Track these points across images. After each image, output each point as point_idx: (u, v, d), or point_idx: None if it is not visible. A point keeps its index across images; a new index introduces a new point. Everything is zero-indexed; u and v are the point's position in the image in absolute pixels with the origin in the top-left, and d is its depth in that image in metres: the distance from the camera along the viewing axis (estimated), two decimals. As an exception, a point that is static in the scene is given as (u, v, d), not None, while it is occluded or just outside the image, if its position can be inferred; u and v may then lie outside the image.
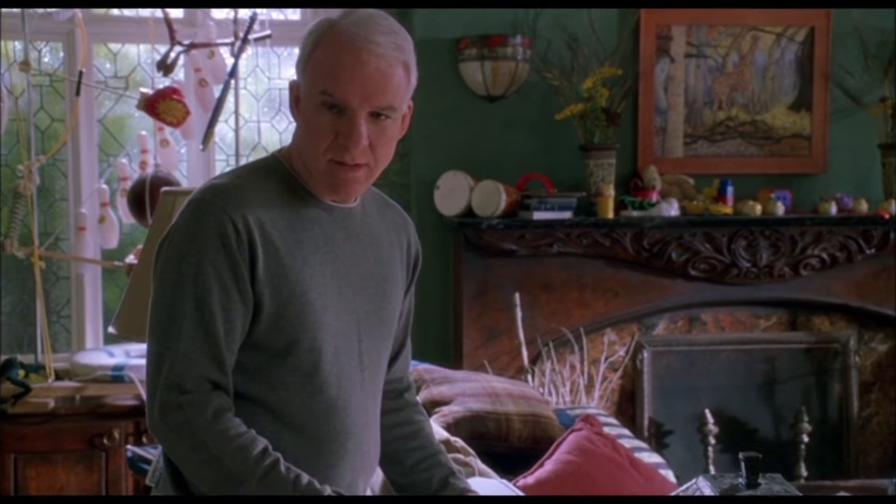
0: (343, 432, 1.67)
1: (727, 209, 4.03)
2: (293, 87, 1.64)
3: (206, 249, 1.56)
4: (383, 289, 1.74)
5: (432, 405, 2.80)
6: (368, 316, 1.71)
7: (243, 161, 3.98)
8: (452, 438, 2.44)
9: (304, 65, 1.61)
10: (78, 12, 3.70)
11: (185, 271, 1.56)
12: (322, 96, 1.58)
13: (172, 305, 1.56)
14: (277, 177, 1.66)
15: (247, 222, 1.58)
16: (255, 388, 1.62)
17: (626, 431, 3.17)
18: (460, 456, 2.35)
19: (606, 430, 2.88)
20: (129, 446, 3.14)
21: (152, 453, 2.73)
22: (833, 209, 4.06)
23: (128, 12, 3.95)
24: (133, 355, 3.68)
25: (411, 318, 1.89)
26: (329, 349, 1.64)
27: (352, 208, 1.71)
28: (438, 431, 2.56)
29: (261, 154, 4.12)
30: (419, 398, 2.81)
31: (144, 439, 3.49)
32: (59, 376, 3.66)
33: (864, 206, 4.10)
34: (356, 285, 1.69)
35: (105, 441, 3.53)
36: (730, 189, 4.07)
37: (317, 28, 1.61)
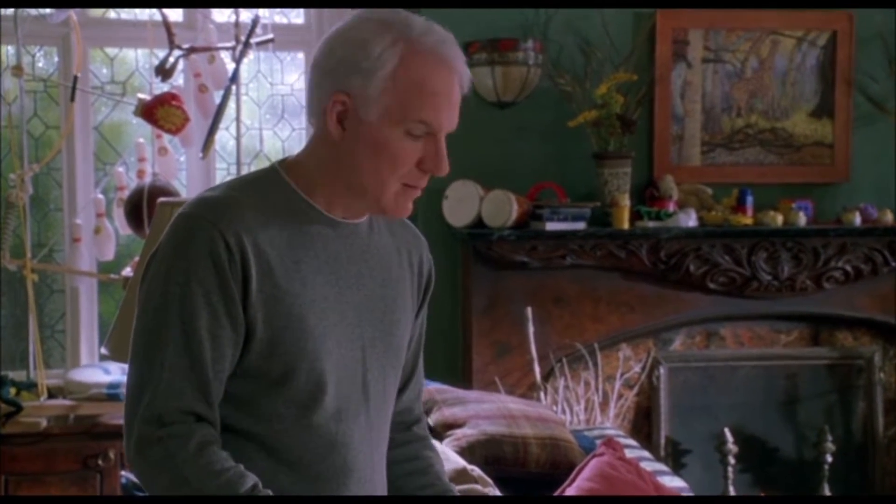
0: (344, 470, 1.53)
1: (747, 220, 3.90)
2: (340, 100, 1.47)
3: (195, 269, 1.43)
4: (391, 313, 1.60)
5: (445, 428, 2.66)
6: (374, 343, 1.57)
7: (245, 170, 3.88)
8: (469, 467, 2.30)
9: (373, 80, 1.45)
10: (73, 15, 3.58)
11: (172, 292, 1.43)
12: (415, 124, 1.45)
13: (156, 330, 1.44)
14: (277, 190, 1.52)
15: (240, 240, 1.44)
16: (247, 421, 1.49)
17: (646, 454, 3.04)
18: (478, 487, 2.21)
19: (627, 452, 2.74)
20: (123, 472, 2.99)
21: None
22: (857, 219, 3.92)
23: (125, 16, 3.85)
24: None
25: (422, 344, 1.74)
26: (330, 380, 1.50)
27: (358, 224, 1.56)
28: (452, 457, 2.42)
29: (263, 163, 4.02)
30: (430, 420, 2.68)
31: (141, 460, 3.37)
32: (52, 394, 3.55)
33: (888, 217, 3.97)
34: (361, 309, 1.55)
35: (100, 462, 3.41)
36: (749, 199, 3.94)
37: (390, 42, 1.45)
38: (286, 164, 1.56)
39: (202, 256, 1.43)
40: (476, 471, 2.31)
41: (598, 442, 2.90)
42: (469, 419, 2.67)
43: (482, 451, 2.59)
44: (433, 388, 2.82)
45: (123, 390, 3.33)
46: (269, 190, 1.52)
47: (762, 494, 3.99)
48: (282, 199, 1.51)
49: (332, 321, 1.51)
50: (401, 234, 1.66)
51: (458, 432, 2.63)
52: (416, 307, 1.68)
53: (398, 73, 1.44)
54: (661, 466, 2.97)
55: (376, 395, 1.57)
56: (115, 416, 3.46)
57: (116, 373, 3.59)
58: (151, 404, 1.41)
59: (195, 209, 1.47)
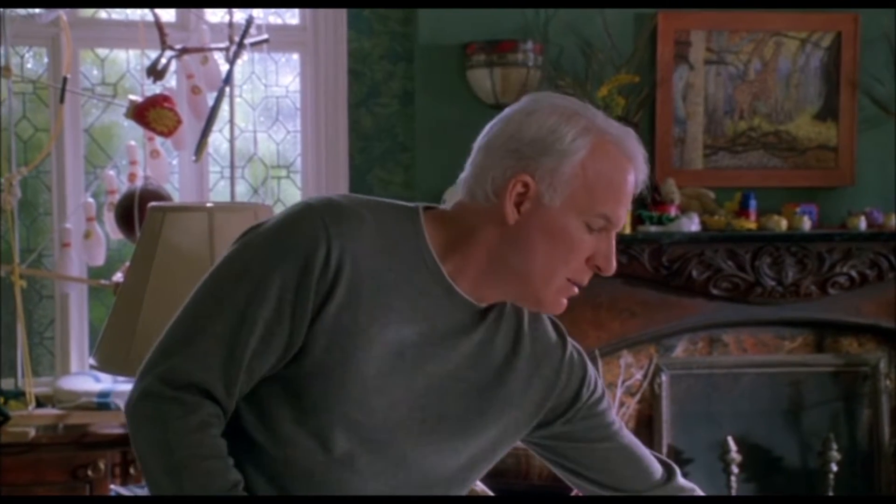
0: None
1: (750, 224, 3.83)
2: (524, 181, 1.39)
3: (285, 260, 1.36)
4: (478, 412, 1.48)
5: (444, 439, 2.57)
6: (439, 424, 1.45)
7: (239, 174, 3.82)
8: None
9: (565, 164, 1.38)
10: (63, 15, 3.51)
11: (251, 269, 1.37)
12: (596, 218, 1.39)
13: (217, 298, 1.38)
14: (409, 233, 1.42)
15: (342, 257, 1.35)
16: (262, 433, 1.40)
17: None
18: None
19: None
20: (112, 486, 2.93)
21: (138, 493, 2.51)
22: (862, 224, 3.86)
23: (116, 16, 3.77)
24: (121, 380, 3.48)
25: (618, 433, 1.65)
26: (362, 435, 1.40)
27: (474, 306, 1.46)
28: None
29: (257, 166, 3.96)
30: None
31: (132, 470, 3.30)
32: (40, 403, 3.47)
33: (894, 221, 3.90)
34: (438, 385, 1.44)
35: (90, 473, 3.31)
36: (753, 203, 3.87)
37: (582, 129, 1.39)
38: (427, 213, 1.47)
39: (298, 252, 1.36)
40: (479, 485, 2.24)
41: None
42: (470, 430, 2.59)
43: (483, 463, 2.51)
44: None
45: (114, 399, 3.35)
46: (400, 226, 1.43)
47: None
48: (409, 241, 1.42)
49: (396, 381, 1.41)
50: (533, 333, 1.55)
51: (459, 443, 2.55)
52: (536, 409, 1.56)
53: (587, 163, 1.39)
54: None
55: (421, 476, 1.46)
56: (105, 425, 3.39)
57: (107, 381, 3.51)
58: (177, 366, 1.35)
59: (319, 205, 1.40)
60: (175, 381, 1.35)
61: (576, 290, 1.45)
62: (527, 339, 1.53)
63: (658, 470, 1.68)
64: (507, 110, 1.46)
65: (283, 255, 1.36)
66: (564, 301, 1.45)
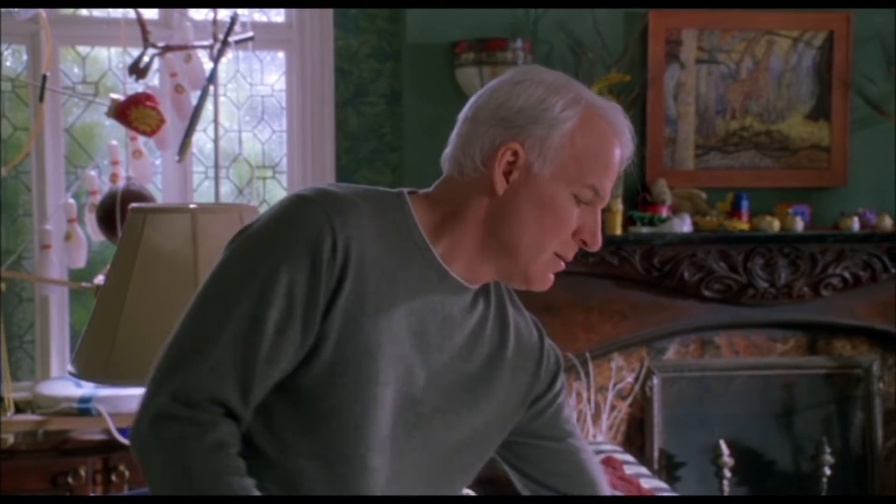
0: None
1: (743, 225, 3.79)
2: (513, 150, 1.37)
3: (291, 256, 1.30)
4: (469, 397, 1.45)
5: (434, 445, 2.52)
6: (434, 415, 1.41)
7: (224, 174, 3.76)
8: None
9: (556, 132, 1.36)
10: (42, 12, 3.44)
11: (256, 270, 1.31)
12: (585, 189, 1.37)
13: (225, 304, 1.30)
14: (399, 219, 1.39)
15: (348, 246, 1.31)
16: (271, 444, 1.34)
17: (644, 470, 2.91)
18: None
19: (625, 469, 2.61)
20: (93, 496, 2.86)
21: None
22: (855, 225, 3.82)
23: (97, 13, 3.70)
24: (102, 385, 3.41)
25: (570, 431, 1.62)
26: (373, 431, 1.35)
27: (468, 289, 1.43)
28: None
29: (242, 166, 3.89)
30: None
31: (114, 477, 3.25)
32: (19, 409, 3.41)
33: (887, 222, 3.86)
34: (436, 374, 1.40)
35: (70, 480, 3.25)
36: (744, 203, 3.83)
37: (571, 100, 1.37)
38: (413, 197, 1.43)
39: (303, 244, 1.30)
40: (468, 493, 2.18)
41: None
42: (460, 436, 2.53)
43: (475, 471, 2.45)
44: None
45: (95, 404, 3.27)
46: (390, 212, 1.39)
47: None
48: (400, 227, 1.39)
49: (399, 373, 1.37)
50: (516, 320, 1.53)
51: (449, 450, 2.50)
52: (535, 397, 1.55)
53: (576, 133, 1.37)
54: (659, 483, 2.85)
55: (413, 468, 1.42)
56: (86, 431, 3.34)
57: (88, 386, 3.43)
58: (188, 380, 1.28)
59: (316, 195, 1.34)
60: (189, 399, 1.27)
61: (562, 264, 1.43)
62: (512, 332, 1.52)
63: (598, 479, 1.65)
64: (493, 82, 1.44)
65: (288, 250, 1.30)
66: (552, 276, 1.44)
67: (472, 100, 1.44)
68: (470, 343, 1.45)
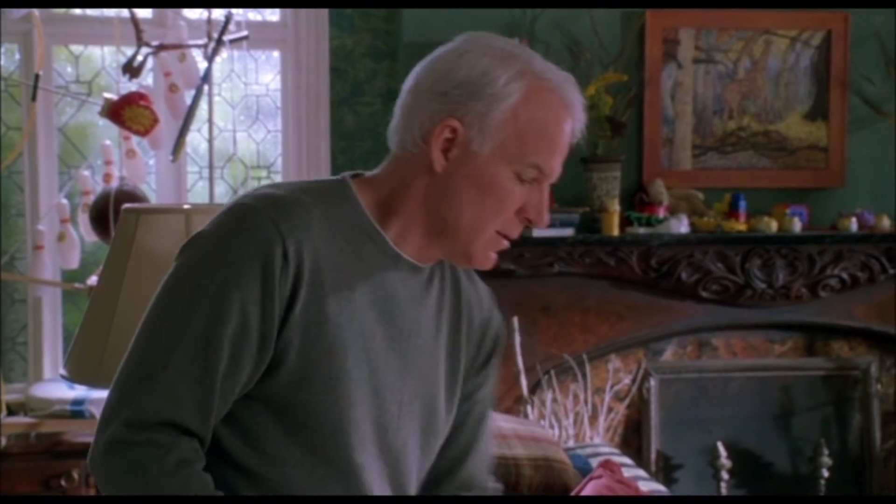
0: None
1: (740, 226, 3.76)
2: (452, 126, 1.31)
3: (240, 269, 1.25)
4: (436, 374, 1.42)
5: (431, 448, 2.49)
6: (414, 401, 1.39)
7: (218, 174, 3.73)
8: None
9: (496, 109, 1.30)
10: (35, 11, 3.41)
11: (205, 287, 1.25)
12: (528, 167, 1.31)
13: (173, 325, 1.25)
14: (345, 207, 1.34)
15: (300, 250, 1.26)
16: (252, 459, 1.31)
17: (642, 473, 2.89)
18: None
19: (623, 472, 2.59)
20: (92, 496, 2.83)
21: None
22: (853, 226, 3.80)
23: (91, 12, 3.68)
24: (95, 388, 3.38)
25: (488, 415, 1.55)
26: (356, 431, 1.32)
27: (422, 269, 1.40)
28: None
29: (237, 167, 3.86)
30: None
31: (107, 480, 3.21)
32: (12, 411, 3.40)
33: (886, 223, 3.84)
34: (409, 360, 1.37)
35: (63, 483, 3.24)
36: (742, 204, 3.80)
37: (517, 73, 1.31)
38: (357, 181, 1.38)
39: (253, 257, 1.25)
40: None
41: (593, 462, 2.75)
42: (457, 439, 2.51)
43: (471, 474, 2.43)
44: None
45: (88, 407, 3.24)
46: (337, 202, 1.34)
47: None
48: (348, 217, 1.34)
49: (374, 366, 1.34)
50: (467, 291, 1.48)
51: (446, 453, 2.47)
52: (472, 373, 1.50)
53: (520, 109, 1.31)
54: (658, 486, 2.82)
55: (404, 458, 1.40)
56: (78, 434, 3.33)
57: (82, 388, 3.40)
58: (143, 407, 1.23)
59: (259, 202, 1.29)
60: (144, 424, 1.23)
61: (505, 243, 1.38)
62: (464, 305, 1.48)
63: (484, 483, 1.56)
64: (438, 50, 1.37)
65: (238, 264, 1.25)
66: (494, 255, 1.39)
67: (416, 68, 1.38)
68: (436, 322, 1.42)
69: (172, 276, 1.30)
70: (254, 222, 1.27)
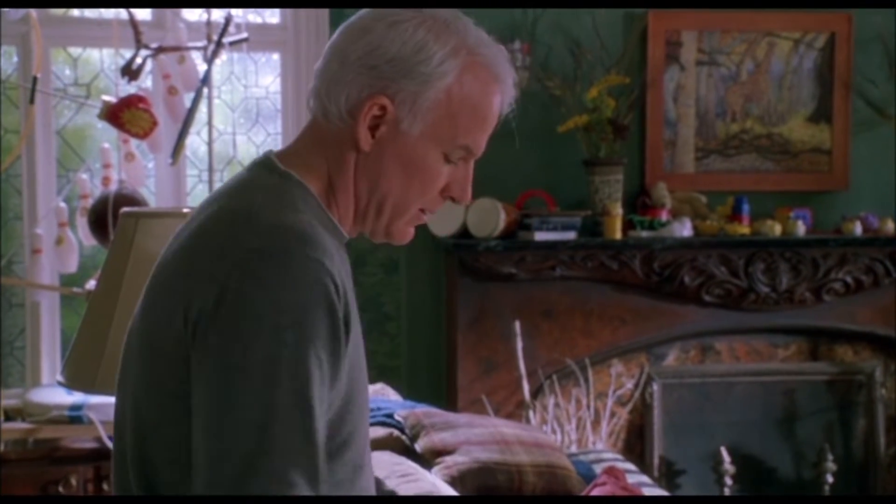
0: None
1: (744, 229, 3.74)
2: (381, 104, 1.25)
3: (309, 323, 1.14)
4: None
5: (433, 454, 2.46)
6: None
7: (217, 178, 3.70)
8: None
9: (429, 89, 1.25)
10: (33, 13, 3.38)
11: (282, 355, 1.12)
12: (458, 150, 1.28)
13: (260, 406, 1.11)
14: (318, 210, 1.27)
15: (340, 275, 1.20)
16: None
17: (646, 479, 2.86)
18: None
19: (627, 478, 2.56)
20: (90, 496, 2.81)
21: None
22: (857, 229, 3.77)
23: (89, 13, 3.64)
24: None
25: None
26: (363, 434, 1.30)
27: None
28: (442, 486, 2.23)
29: (236, 170, 3.81)
30: (418, 446, 2.49)
31: (105, 486, 3.19)
32: (9, 416, 3.35)
33: (890, 226, 3.82)
34: (361, 350, 1.34)
35: (61, 489, 3.20)
36: (745, 207, 3.78)
37: (452, 50, 1.25)
38: (292, 166, 1.29)
39: (317, 306, 1.15)
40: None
41: (596, 468, 2.73)
42: (460, 445, 2.48)
43: (474, 480, 2.40)
44: (420, 410, 2.63)
45: (86, 412, 3.21)
46: (315, 211, 1.26)
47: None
48: (324, 221, 1.27)
49: (363, 365, 1.32)
50: None
51: (449, 459, 2.44)
52: None
53: (454, 89, 1.26)
54: (662, 492, 2.80)
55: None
56: (77, 439, 3.29)
57: (79, 393, 3.38)
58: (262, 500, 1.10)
59: (292, 243, 1.17)
60: None
61: (425, 218, 1.35)
62: None
63: None
64: (369, 15, 1.29)
65: (304, 320, 1.14)
66: (412, 230, 1.35)
67: (343, 28, 1.31)
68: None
69: (231, 351, 1.14)
70: (303, 269, 1.16)
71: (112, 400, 1.35)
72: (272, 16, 3.82)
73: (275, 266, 1.16)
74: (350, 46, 1.28)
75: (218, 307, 1.15)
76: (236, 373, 1.13)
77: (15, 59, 3.63)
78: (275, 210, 1.22)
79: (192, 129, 3.40)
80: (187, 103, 3.36)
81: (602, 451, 3.26)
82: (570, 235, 3.62)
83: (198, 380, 1.16)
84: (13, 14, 3.38)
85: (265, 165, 1.31)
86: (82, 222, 3.49)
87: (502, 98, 1.30)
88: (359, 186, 1.30)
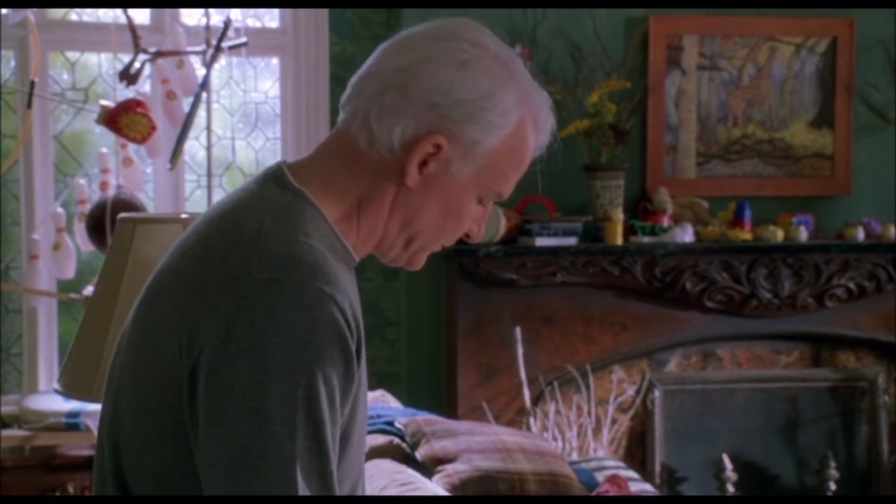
0: None
1: (746, 235, 3.72)
2: (437, 143, 1.21)
3: (321, 359, 1.11)
4: None
5: (434, 462, 2.44)
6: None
7: (216, 183, 3.67)
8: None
9: (490, 138, 1.22)
10: (30, 17, 3.36)
11: (296, 396, 1.09)
12: (493, 195, 1.28)
13: (276, 447, 1.09)
14: (329, 234, 1.22)
15: (352, 309, 1.16)
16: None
17: (649, 487, 2.84)
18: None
19: (630, 486, 2.54)
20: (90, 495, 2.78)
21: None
22: (860, 235, 3.75)
23: (87, 17, 3.63)
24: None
25: None
26: (357, 471, 1.29)
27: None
28: (443, 495, 2.21)
29: (235, 175, 3.81)
30: (419, 454, 2.46)
31: (103, 494, 3.16)
32: (6, 423, 3.35)
33: (892, 232, 3.79)
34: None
35: (58, 496, 3.19)
36: (747, 213, 3.76)
37: (516, 99, 1.23)
38: (307, 186, 1.23)
39: (330, 342, 1.12)
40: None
41: (598, 476, 2.70)
42: (461, 453, 2.45)
43: (475, 489, 2.37)
44: (421, 418, 2.60)
45: (83, 420, 3.19)
46: (319, 227, 1.21)
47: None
48: (336, 248, 1.22)
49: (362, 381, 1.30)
50: None
51: (450, 468, 2.42)
52: None
53: (508, 140, 1.24)
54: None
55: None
56: (73, 447, 3.29)
57: (76, 401, 3.36)
58: None
59: (304, 276, 1.13)
60: None
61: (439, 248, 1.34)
62: None
63: None
64: (428, 41, 1.25)
65: (316, 357, 1.11)
66: (427, 259, 1.34)
67: (397, 49, 1.26)
68: None
69: (243, 391, 1.10)
70: (314, 304, 1.12)
71: (107, 408, 1.33)
72: (271, 20, 3.81)
73: (287, 300, 1.11)
74: (413, 80, 1.22)
75: (227, 342, 1.11)
76: (254, 415, 1.10)
77: (13, 63, 3.63)
78: (284, 236, 1.17)
79: (191, 134, 3.39)
80: (186, 108, 3.35)
81: (604, 458, 3.24)
82: (571, 241, 3.60)
83: (210, 410, 1.11)
84: (11, 17, 3.37)
85: (276, 179, 1.25)
86: (80, 228, 3.47)
87: (537, 145, 1.29)
88: (392, 219, 1.26)
